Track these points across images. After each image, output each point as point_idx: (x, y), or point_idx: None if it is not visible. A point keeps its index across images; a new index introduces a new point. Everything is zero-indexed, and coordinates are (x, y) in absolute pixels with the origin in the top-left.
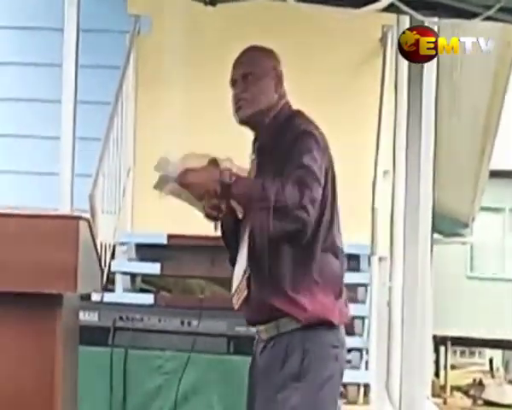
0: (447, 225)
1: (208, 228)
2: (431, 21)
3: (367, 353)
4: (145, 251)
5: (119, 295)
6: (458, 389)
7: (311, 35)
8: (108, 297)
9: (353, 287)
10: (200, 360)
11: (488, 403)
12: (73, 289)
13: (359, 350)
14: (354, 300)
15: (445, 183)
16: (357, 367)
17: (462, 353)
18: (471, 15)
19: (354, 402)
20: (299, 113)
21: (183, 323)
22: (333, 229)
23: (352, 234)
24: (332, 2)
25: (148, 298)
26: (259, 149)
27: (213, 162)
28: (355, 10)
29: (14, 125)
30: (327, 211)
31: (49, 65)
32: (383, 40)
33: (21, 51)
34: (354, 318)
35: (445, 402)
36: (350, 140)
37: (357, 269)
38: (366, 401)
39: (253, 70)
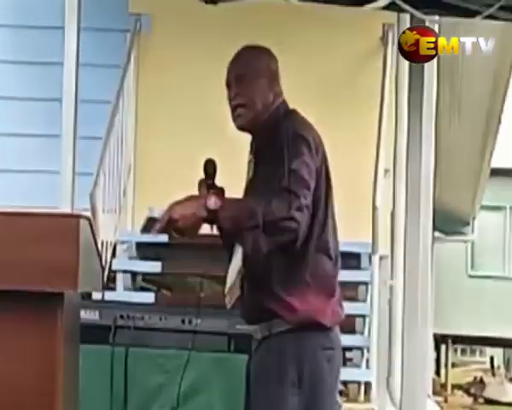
0: (448, 224)
1: (209, 226)
2: (432, 20)
3: (368, 351)
4: (146, 250)
5: (120, 293)
6: (459, 387)
7: (312, 34)
8: (109, 296)
9: (354, 285)
10: (200, 358)
11: (489, 401)
12: (74, 287)
13: (360, 348)
14: (355, 298)
15: (445, 181)
16: (358, 365)
17: (463, 351)
18: (472, 14)
19: (355, 400)
20: (293, 113)
21: (183, 321)
22: (326, 229)
23: (353, 232)
24: (333, 1)
25: (148, 296)
26: (256, 149)
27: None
28: (356, 8)
29: (14, 124)
30: (320, 212)
31: (51, 63)
32: (384, 39)
33: (22, 50)
34: (355, 316)
35: (445, 400)
36: (351, 139)
37: (358, 267)
38: (367, 400)
39: (246, 72)
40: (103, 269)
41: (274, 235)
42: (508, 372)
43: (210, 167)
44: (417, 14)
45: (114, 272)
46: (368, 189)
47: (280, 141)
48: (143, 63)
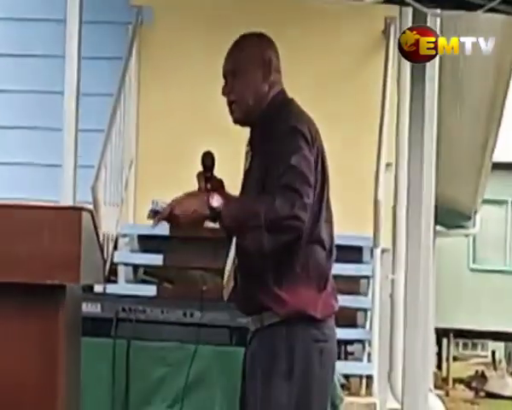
0: (450, 218)
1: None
2: (433, 13)
3: (369, 345)
4: (147, 243)
5: (122, 286)
6: (460, 381)
7: (313, 27)
8: (111, 289)
9: (356, 279)
10: (202, 351)
11: (490, 395)
12: (76, 280)
13: (362, 342)
14: (357, 292)
15: (447, 175)
16: (359, 359)
17: (465, 345)
18: (474, 7)
19: (357, 394)
20: (289, 103)
21: (185, 314)
22: (320, 220)
23: (354, 226)
24: None
25: (150, 289)
26: (253, 141)
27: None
28: (358, 2)
29: (16, 118)
30: (314, 204)
31: (52, 56)
32: (386, 32)
33: (24, 43)
34: (357, 310)
35: (447, 394)
36: (352, 133)
37: (359, 261)
38: (368, 393)
39: (238, 66)
40: (105, 262)
41: (277, 233)
42: (509, 366)
43: (208, 160)
44: (419, 7)
45: (116, 264)
46: (370, 183)
47: (276, 134)
48: (145, 56)
